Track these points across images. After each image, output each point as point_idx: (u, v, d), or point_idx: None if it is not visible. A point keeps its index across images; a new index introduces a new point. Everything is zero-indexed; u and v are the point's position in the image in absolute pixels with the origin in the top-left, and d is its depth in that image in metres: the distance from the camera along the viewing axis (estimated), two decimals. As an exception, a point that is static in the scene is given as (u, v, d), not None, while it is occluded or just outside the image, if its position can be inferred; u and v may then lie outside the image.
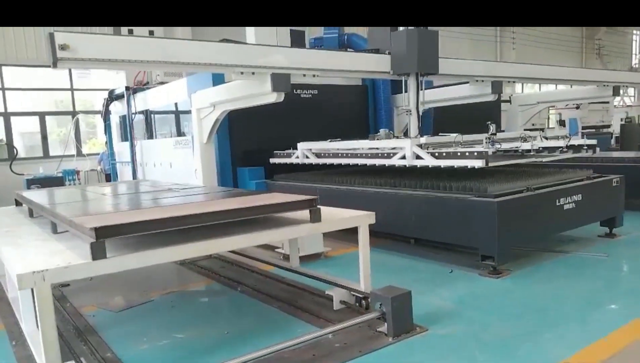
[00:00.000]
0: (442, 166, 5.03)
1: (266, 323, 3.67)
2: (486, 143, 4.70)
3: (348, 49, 9.23)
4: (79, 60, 4.42)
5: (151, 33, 8.48)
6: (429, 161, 5.07)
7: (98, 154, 12.62)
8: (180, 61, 4.91)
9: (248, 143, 7.75)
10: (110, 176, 11.88)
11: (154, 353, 3.29)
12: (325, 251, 5.52)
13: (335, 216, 3.58)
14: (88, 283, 4.57)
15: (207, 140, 7.20)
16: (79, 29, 4.85)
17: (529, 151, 4.75)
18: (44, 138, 12.77)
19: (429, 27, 5.61)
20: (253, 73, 5.41)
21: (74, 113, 13.08)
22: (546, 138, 5.23)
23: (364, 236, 3.58)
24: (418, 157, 5.21)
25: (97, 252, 2.52)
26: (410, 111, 5.77)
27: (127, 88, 10.33)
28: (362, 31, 10.35)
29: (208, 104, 7.03)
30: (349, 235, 3.79)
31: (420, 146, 5.20)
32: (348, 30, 9.91)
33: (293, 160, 7.11)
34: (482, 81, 7.33)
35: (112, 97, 11.19)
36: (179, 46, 4.96)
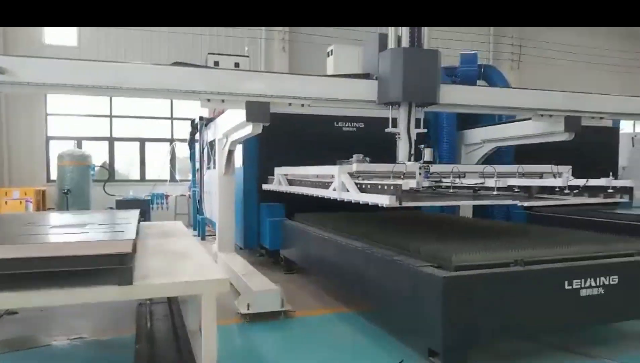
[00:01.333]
0: (360, 202, 4.01)
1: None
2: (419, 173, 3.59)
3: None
4: (15, 84, 4.29)
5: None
6: (352, 195, 4.04)
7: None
8: (131, 86, 4.55)
9: (277, 178, 7.16)
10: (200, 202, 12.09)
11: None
12: (287, 310, 4.62)
13: (172, 278, 2.77)
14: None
15: (225, 171, 6.81)
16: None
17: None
18: (142, 162, 13.67)
19: (424, 46, 4.56)
20: (223, 101, 4.87)
21: (171, 140, 13.86)
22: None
23: (208, 310, 2.71)
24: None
25: None
26: (399, 135, 4.74)
27: (200, 118, 10.59)
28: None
29: (221, 134, 6.67)
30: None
31: (351, 174, 4.21)
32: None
33: (270, 186, 6.68)
34: (550, 116, 5.85)
35: (194, 126, 11.61)
36: (131, 71, 4.62)
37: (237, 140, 6.03)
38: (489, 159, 8.13)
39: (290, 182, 6.10)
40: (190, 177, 12.76)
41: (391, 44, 4.59)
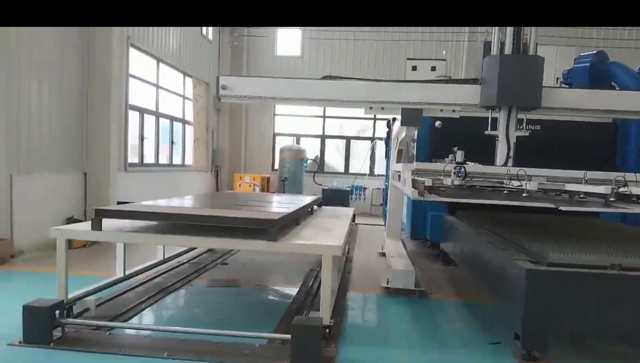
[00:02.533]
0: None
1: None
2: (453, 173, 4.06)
3: (612, 83, 7.93)
4: (235, 96, 5.91)
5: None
6: (402, 187, 4.60)
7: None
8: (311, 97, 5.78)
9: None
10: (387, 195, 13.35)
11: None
12: (421, 290, 5.34)
13: (303, 241, 3.84)
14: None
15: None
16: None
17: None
18: (347, 157, 15.40)
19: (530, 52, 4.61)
20: (382, 108, 5.76)
21: (372, 138, 15.27)
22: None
23: (326, 265, 3.71)
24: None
25: (94, 225, 3.83)
26: (498, 138, 4.90)
27: (393, 119, 11.63)
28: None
29: (394, 135, 7.58)
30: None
31: (412, 171, 4.69)
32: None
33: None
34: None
35: (388, 126, 12.73)
36: (311, 86, 5.83)
37: (402, 140, 6.83)
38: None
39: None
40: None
41: (494, 50, 4.72)
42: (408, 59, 12.27)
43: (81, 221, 7.25)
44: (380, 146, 14.65)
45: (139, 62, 9.80)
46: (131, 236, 3.92)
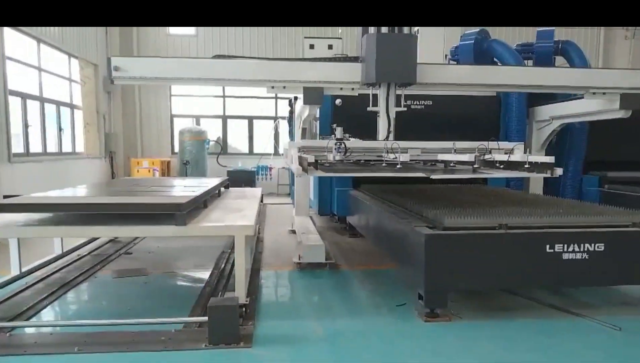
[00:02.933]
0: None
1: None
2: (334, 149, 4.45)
3: (494, 59, 8.60)
4: (129, 78, 5.63)
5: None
6: (290, 165, 5.04)
7: (289, 154, 14.43)
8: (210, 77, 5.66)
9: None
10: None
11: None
12: (332, 263, 5.55)
13: (213, 224, 3.83)
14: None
15: (302, 147, 7.81)
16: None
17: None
18: (250, 138, 15.29)
19: (407, 28, 4.92)
20: (284, 87, 5.79)
21: (275, 118, 15.27)
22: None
23: (239, 246, 3.73)
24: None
25: (-17, 221, 3.52)
26: (379, 114, 5.25)
27: (295, 98, 11.70)
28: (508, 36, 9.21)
29: (297, 113, 7.65)
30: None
31: (299, 148, 5.10)
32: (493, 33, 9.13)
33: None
34: (604, 93, 5.96)
35: (290, 105, 12.80)
36: (217, 65, 5.70)
37: (305, 119, 6.96)
38: (560, 135, 8.22)
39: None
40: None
41: (371, 29, 4.94)
42: (305, 37, 12.37)
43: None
44: (284, 125, 14.71)
45: (17, 43, 8.92)
46: (26, 230, 3.65)
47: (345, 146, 5.03)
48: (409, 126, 7.87)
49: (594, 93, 5.91)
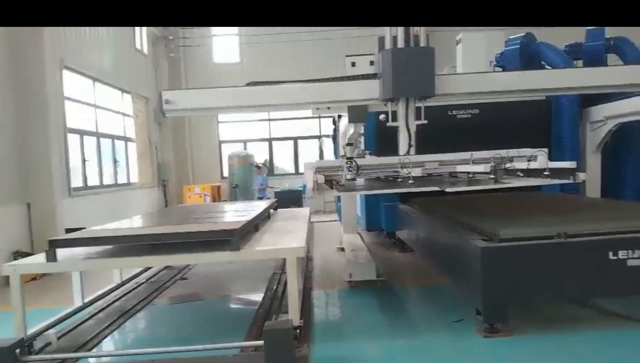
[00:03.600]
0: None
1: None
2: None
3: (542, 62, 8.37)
4: (179, 110, 5.84)
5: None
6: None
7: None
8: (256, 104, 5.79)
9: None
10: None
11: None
12: (382, 279, 5.49)
13: (266, 247, 3.88)
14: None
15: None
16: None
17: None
18: (296, 157, 15.48)
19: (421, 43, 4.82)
20: (329, 108, 5.84)
21: (319, 137, 15.41)
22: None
23: (291, 268, 3.76)
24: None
25: (49, 256, 3.71)
26: (399, 129, 5.14)
27: (339, 116, 11.80)
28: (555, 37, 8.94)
29: (341, 132, 7.68)
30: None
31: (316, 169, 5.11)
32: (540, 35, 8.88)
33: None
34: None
35: (334, 123, 12.90)
36: (261, 91, 5.82)
37: (350, 136, 6.96)
38: (616, 136, 7.85)
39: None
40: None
41: (387, 45, 4.88)
42: (346, 56, 12.45)
43: (29, 253, 6.95)
44: (328, 143, 14.81)
45: (74, 83, 9.47)
46: (88, 263, 3.82)
47: (356, 164, 4.98)
48: (455, 136, 7.83)
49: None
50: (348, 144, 7.86)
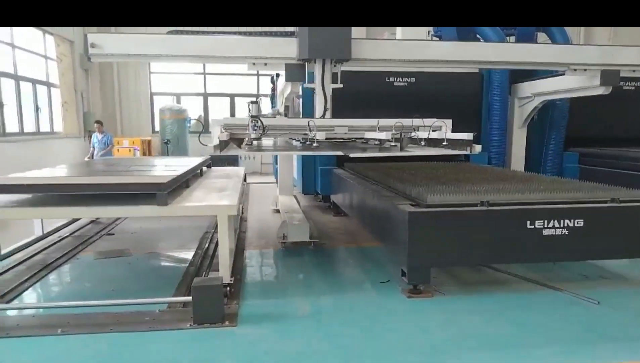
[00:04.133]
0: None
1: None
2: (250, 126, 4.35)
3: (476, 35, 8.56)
4: (106, 55, 5.48)
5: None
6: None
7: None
8: (190, 54, 5.53)
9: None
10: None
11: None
12: (316, 241, 5.56)
13: (195, 203, 3.80)
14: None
15: (285, 125, 7.75)
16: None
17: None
18: (232, 116, 15.11)
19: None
20: (265, 64, 5.69)
21: (257, 95, 15.12)
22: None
23: (222, 226, 3.71)
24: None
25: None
26: (315, 91, 5.19)
27: (277, 75, 11.59)
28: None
29: (279, 91, 7.56)
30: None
31: (222, 126, 4.96)
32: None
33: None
34: (585, 70, 6.01)
35: (272, 82, 12.68)
36: (197, 41, 5.56)
37: (287, 96, 6.89)
38: (542, 112, 8.29)
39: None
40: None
41: None
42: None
43: None
44: (266, 103, 14.57)
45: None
46: (5, 211, 3.58)
47: (262, 123, 4.93)
48: (392, 102, 7.96)
49: (574, 70, 5.96)
50: (286, 106, 7.81)
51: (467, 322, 3.47)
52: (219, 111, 15.21)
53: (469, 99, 8.32)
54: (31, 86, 10.44)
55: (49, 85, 11.38)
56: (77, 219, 6.58)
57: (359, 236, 6.11)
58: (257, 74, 15.04)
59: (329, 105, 5.12)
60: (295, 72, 5.67)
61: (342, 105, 7.74)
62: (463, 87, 8.28)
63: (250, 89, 15.24)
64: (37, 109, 10.72)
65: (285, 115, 7.91)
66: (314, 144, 4.61)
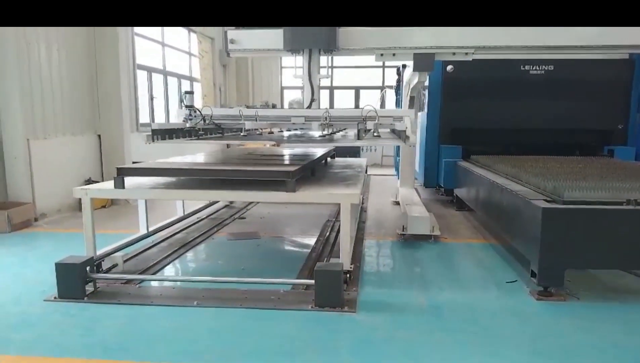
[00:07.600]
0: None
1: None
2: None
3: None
4: (243, 50, 5.86)
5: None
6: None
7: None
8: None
9: (458, 121, 7.70)
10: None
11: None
12: (436, 235, 5.44)
13: (321, 191, 3.92)
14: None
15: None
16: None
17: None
18: (356, 108, 15.28)
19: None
20: (394, 54, 5.68)
21: (382, 88, 15.09)
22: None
23: (345, 213, 3.79)
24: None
25: (117, 183, 3.93)
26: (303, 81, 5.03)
27: (403, 66, 11.48)
28: None
29: (405, 82, 7.51)
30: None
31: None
32: None
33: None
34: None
35: (398, 73, 12.56)
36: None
37: (414, 87, 6.77)
38: None
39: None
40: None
41: None
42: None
43: (99, 182, 7.39)
44: (391, 95, 14.49)
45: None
46: (154, 192, 4.01)
47: (200, 113, 4.79)
48: (528, 91, 7.49)
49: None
50: (411, 97, 7.69)
51: (605, 331, 3.16)
52: (344, 103, 15.46)
53: (616, 88, 7.53)
54: (176, 80, 11.50)
55: (191, 79, 12.45)
56: (213, 203, 7.14)
57: (483, 232, 5.85)
58: (383, 66, 15.00)
59: (316, 95, 5.15)
60: (425, 61, 5.61)
61: (474, 95, 7.52)
62: (609, 75, 7.52)
63: (375, 81, 15.26)
64: (181, 101, 11.78)
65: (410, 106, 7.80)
66: (242, 134, 4.70)
